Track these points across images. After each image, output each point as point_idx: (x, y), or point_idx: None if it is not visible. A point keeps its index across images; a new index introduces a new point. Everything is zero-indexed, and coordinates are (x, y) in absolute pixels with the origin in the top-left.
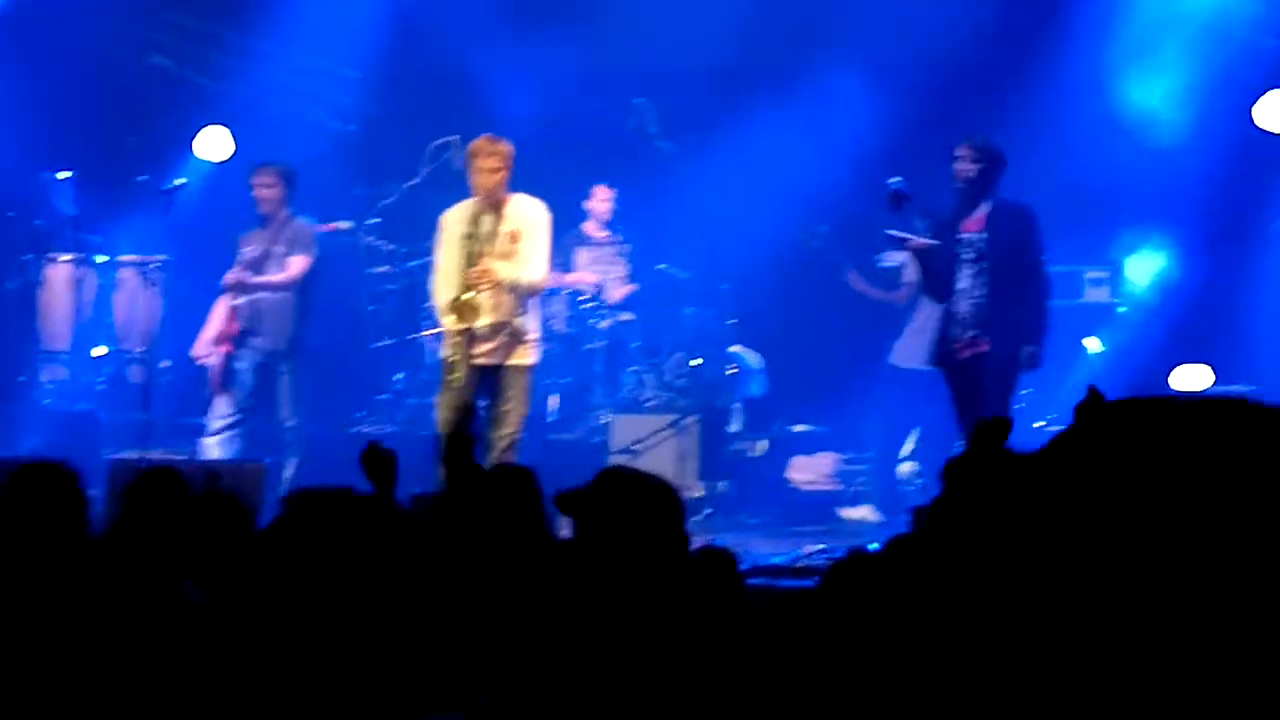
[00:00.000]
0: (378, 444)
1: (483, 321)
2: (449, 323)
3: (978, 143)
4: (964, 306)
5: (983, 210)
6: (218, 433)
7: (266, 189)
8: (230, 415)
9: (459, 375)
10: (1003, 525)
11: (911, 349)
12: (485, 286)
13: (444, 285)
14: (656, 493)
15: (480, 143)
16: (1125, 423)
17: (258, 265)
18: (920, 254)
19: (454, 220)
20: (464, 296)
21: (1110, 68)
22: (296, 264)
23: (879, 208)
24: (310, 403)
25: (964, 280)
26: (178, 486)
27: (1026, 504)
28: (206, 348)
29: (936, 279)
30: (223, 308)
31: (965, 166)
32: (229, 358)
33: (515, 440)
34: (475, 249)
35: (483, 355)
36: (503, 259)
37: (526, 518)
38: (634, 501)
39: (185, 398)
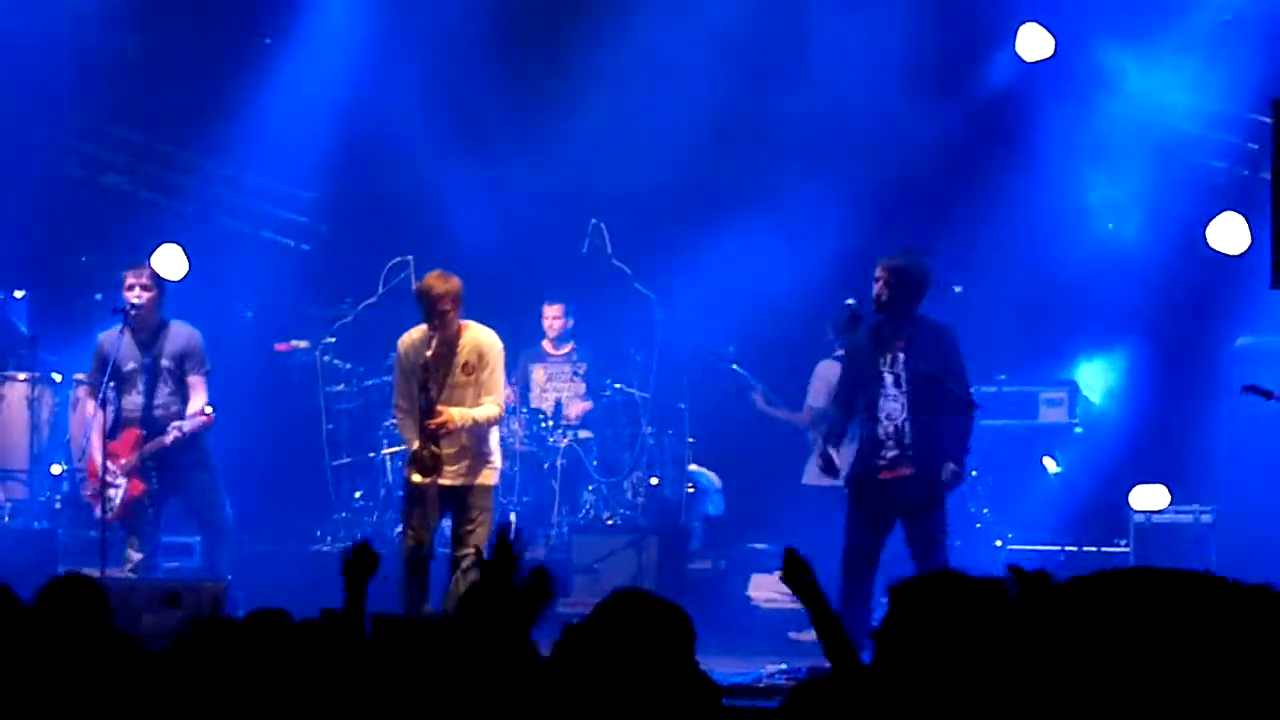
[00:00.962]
0: (367, 544)
1: (446, 450)
2: (414, 477)
3: (892, 264)
4: (885, 428)
5: (903, 332)
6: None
7: (144, 290)
8: (142, 553)
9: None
10: (954, 651)
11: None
12: (444, 435)
13: (405, 420)
14: (669, 618)
15: (431, 280)
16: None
17: (131, 380)
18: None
19: (407, 348)
20: (424, 452)
21: (1070, 183)
22: (201, 391)
23: (834, 325)
24: (268, 521)
25: (885, 402)
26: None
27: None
28: (111, 475)
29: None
30: (126, 433)
31: (880, 289)
32: (136, 501)
33: (479, 559)
34: (431, 379)
35: (448, 477)
36: (460, 389)
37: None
38: (647, 627)
39: None
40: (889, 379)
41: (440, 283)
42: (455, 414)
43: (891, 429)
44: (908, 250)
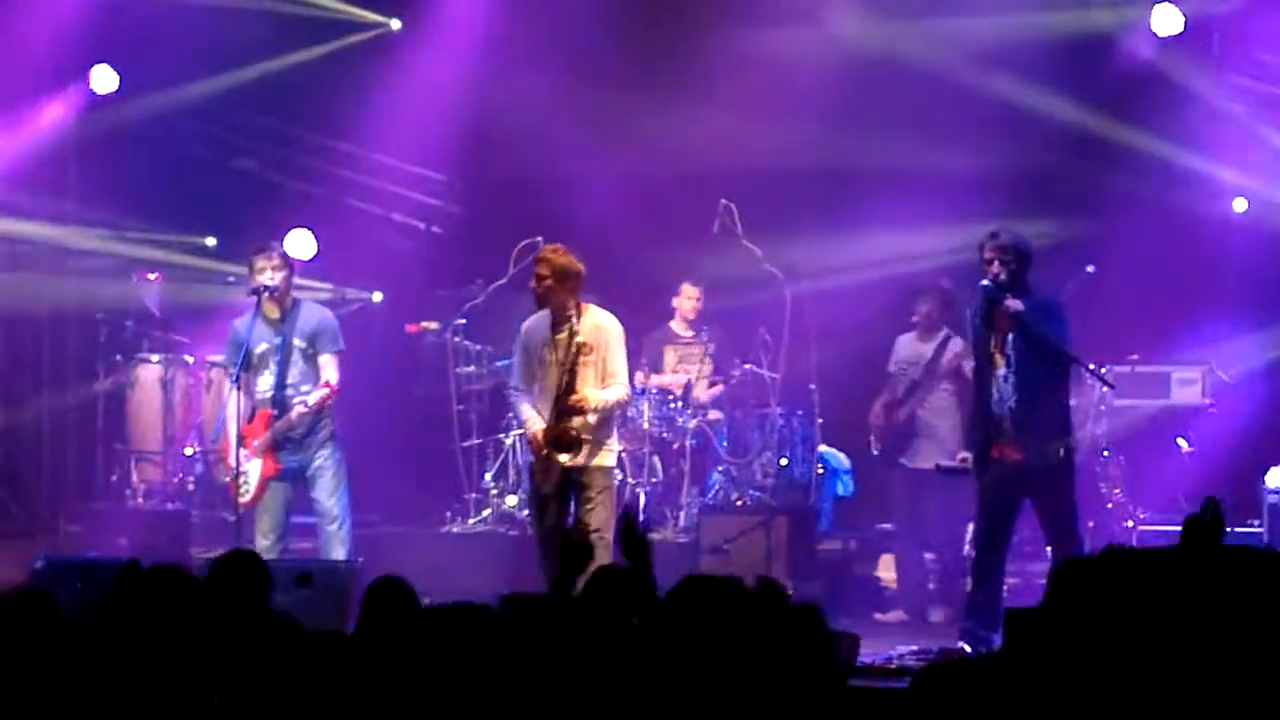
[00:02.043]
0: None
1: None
2: (563, 459)
3: (1006, 242)
4: (999, 409)
5: (1014, 309)
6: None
7: (275, 270)
8: (270, 539)
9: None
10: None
11: (925, 449)
12: (577, 414)
13: (520, 399)
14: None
15: (543, 250)
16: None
17: (264, 361)
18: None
19: (528, 327)
20: (556, 430)
21: (1204, 159)
22: (333, 369)
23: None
24: (399, 502)
25: (997, 383)
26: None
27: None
28: (245, 458)
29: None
30: (259, 415)
31: (998, 269)
32: (270, 481)
33: (605, 540)
34: (553, 359)
35: (568, 458)
36: (581, 369)
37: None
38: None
39: None
40: (999, 359)
41: (551, 253)
42: (590, 396)
43: (1006, 410)
44: (1002, 228)
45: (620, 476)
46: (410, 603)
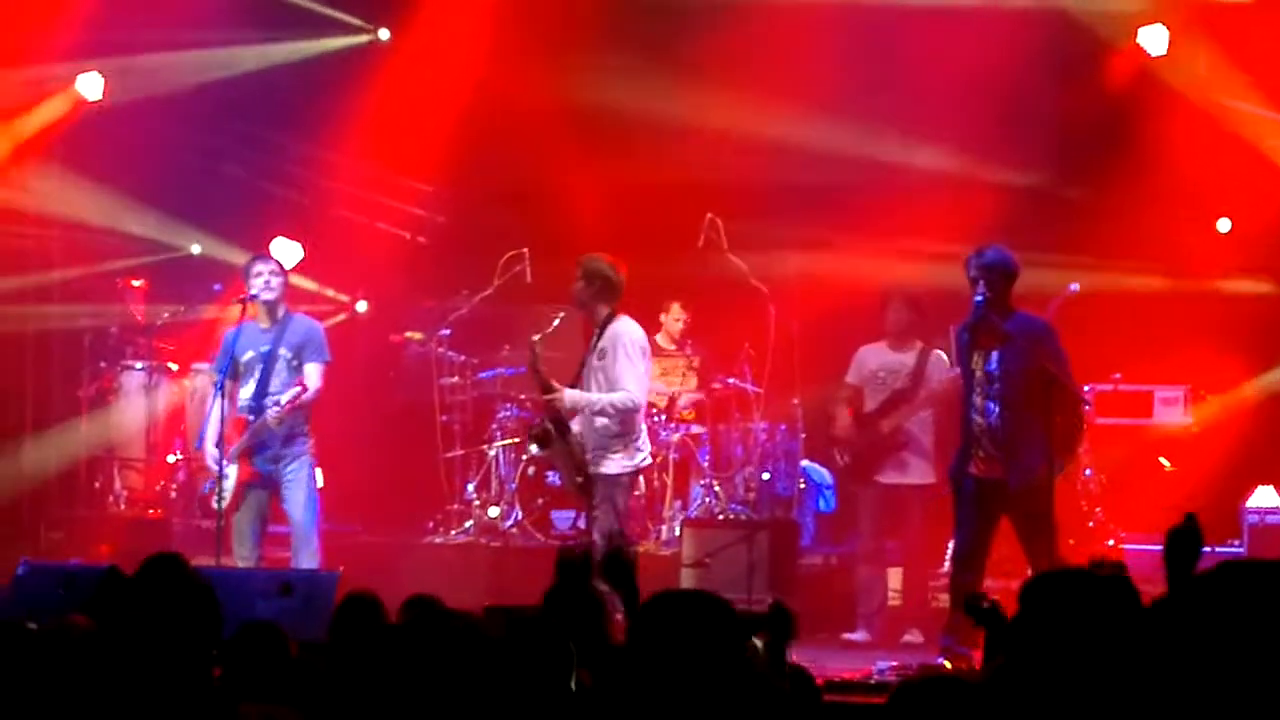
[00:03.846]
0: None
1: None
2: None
3: (991, 260)
4: (980, 426)
5: (1000, 329)
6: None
7: (273, 276)
8: (245, 546)
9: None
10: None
11: (910, 464)
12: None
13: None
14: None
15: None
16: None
17: (249, 369)
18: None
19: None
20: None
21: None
22: (315, 377)
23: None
24: (382, 512)
25: (978, 400)
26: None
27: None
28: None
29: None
30: (239, 421)
31: (983, 288)
32: (245, 485)
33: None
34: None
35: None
36: (592, 373)
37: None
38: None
39: None
40: (980, 377)
41: (585, 258)
42: (567, 395)
43: (987, 427)
44: (987, 246)
45: (636, 490)
46: (378, 617)
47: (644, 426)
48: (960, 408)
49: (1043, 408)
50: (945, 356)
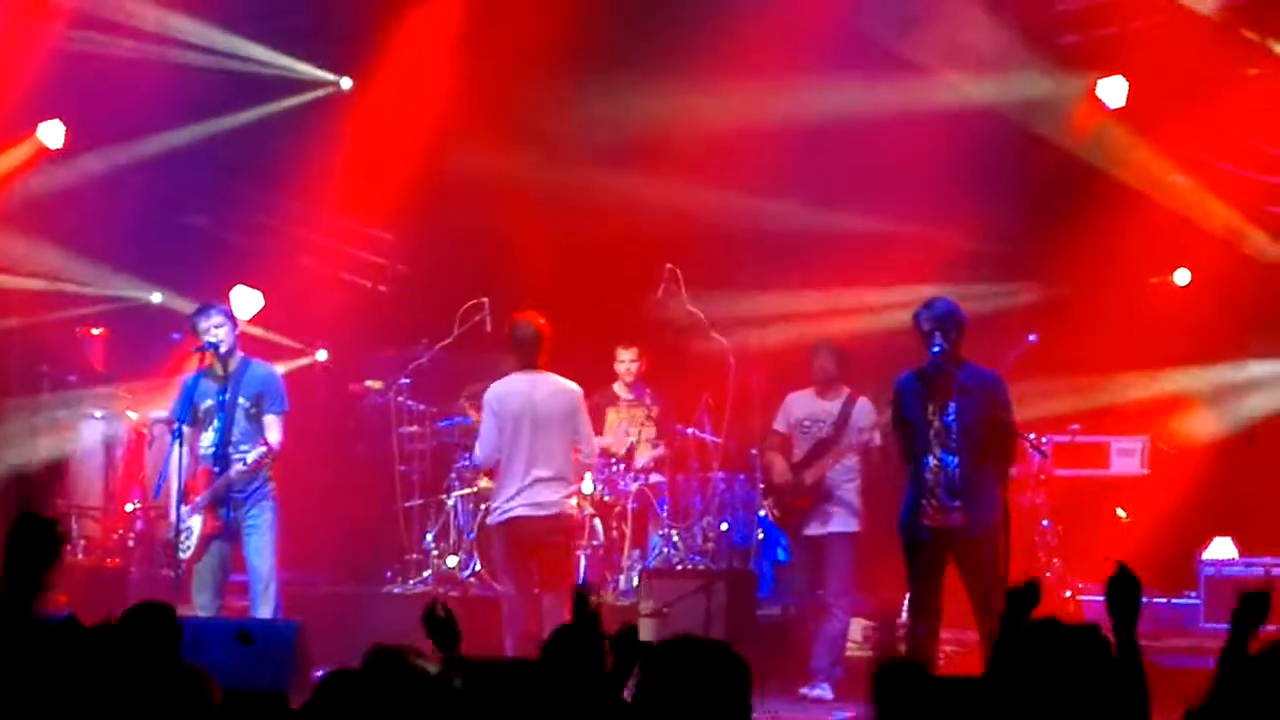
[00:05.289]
0: (437, 604)
1: None
2: None
3: (942, 312)
4: (935, 476)
5: (955, 380)
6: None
7: (217, 329)
8: (211, 590)
9: None
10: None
11: (834, 514)
12: None
13: None
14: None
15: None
16: None
17: (208, 418)
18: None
19: None
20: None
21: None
22: (276, 431)
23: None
24: (340, 562)
25: (934, 450)
26: None
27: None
28: (185, 514)
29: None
30: (201, 471)
31: (939, 340)
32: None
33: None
34: None
35: None
36: None
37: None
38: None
39: None
40: (938, 428)
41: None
42: None
43: (942, 477)
44: (936, 298)
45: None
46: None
47: (503, 484)
48: (889, 455)
49: (996, 456)
50: (870, 405)
